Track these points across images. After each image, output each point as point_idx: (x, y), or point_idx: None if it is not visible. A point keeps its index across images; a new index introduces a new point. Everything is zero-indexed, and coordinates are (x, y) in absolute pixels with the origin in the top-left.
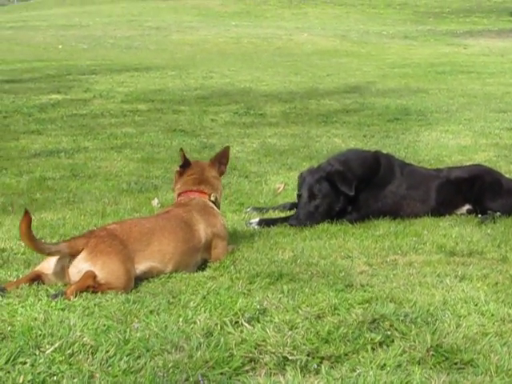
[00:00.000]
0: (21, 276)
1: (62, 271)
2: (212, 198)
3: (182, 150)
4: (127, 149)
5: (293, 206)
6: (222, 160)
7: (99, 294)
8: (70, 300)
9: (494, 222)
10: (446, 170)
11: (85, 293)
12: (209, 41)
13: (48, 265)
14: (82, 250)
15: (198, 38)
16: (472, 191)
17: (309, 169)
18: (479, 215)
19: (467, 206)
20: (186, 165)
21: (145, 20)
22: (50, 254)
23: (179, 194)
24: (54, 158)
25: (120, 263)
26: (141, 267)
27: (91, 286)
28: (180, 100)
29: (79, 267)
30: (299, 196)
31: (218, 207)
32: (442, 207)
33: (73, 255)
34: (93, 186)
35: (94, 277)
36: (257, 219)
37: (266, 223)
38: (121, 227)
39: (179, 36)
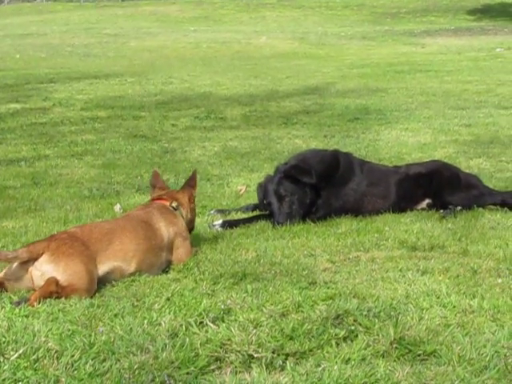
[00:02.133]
0: None
1: (24, 276)
2: (173, 205)
3: (155, 171)
4: (88, 156)
5: (255, 207)
6: (190, 183)
7: (63, 299)
8: (33, 306)
9: (455, 217)
10: (404, 167)
11: (49, 299)
12: (168, 46)
13: (10, 271)
14: (43, 253)
15: (156, 44)
16: (431, 186)
17: (266, 177)
18: (441, 210)
19: (427, 201)
20: (153, 184)
21: (103, 27)
22: (8, 260)
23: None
24: (15, 166)
25: (82, 264)
26: (103, 267)
27: (54, 291)
28: (140, 106)
29: (42, 270)
30: (269, 204)
31: (184, 220)
32: (403, 202)
33: (34, 259)
34: (54, 193)
35: (57, 282)
36: (220, 221)
37: (229, 225)
38: (81, 230)
39: (138, 42)
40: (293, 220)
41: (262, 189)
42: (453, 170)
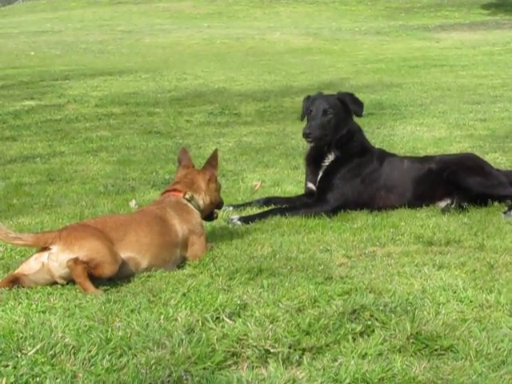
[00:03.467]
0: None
1: (41, 270)
2: (187, 196)
3: (183, 147)
4: (103, 152)
5: (268, 200)
6: (211, 163)
7: (79, 295)
8: (87, 291)
9: (465, 210)
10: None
11: (65, 294)
12: (181, 43)
13: (28, 266)
14: (54, 243)
15: (170, 40)
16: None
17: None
18: (441, 204)
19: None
20: (180, 160)
21: (117, 24)
22: (9, 240)
23: (160, 195)
24: (30, 163)
25: (98, 241)
26: (120, 255)
27: (83, 267)
28: (154, 102)
29: (59, 259)
30: (309, 112)
31: (200, 208)
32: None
33: (42, 249)
34: (70, 189)
35: (77, 259)
36: (237, 216)
37: (245, 220)
38: (95, 220)
39: (152, 39)
40: (316, 138)
41: (310, 98)
42: (477, 162)
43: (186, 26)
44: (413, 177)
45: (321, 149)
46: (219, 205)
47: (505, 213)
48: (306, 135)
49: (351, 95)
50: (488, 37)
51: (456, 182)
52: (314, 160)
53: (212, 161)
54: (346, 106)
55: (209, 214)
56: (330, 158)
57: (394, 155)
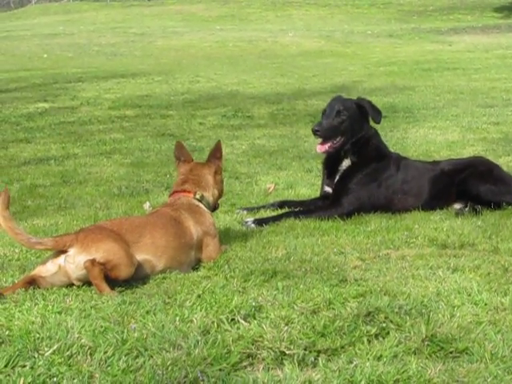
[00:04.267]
0: (16, 281)
1: (58, 272)
2: (197, 196)
3: (178, 142)
4: (116, 154)
5: (282, 203)
6: (216, 155)
7: (95, 296)
8: (102, 292)
9: (479, 214)
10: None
11: (81, 295)
12: (194, 45)
13: (45, 268)
14: (72, 245)
15: (183, 43)
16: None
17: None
18: (457, 206)
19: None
20: (178, 157)
21: (129, 27)
22: (30, 245)
23: (169, 196)
24: (44, 165)
25: (114, 242)
26: (136, 258)
27: (100, 268)
28: (167, 105)
29: (76, 261)
30: (323, 112)
31: (210, 205)
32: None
33: (59, 250)
34: (84, 191)
35: (94, 261)
36: (251, 218)
37: (259, 222)
38: (111, 222)
39: (164, 42)
40: (324, 138)
41: (331, 98)
42: (489, 166)
43: (199, 29)
44: (428, 180)
45: (337, 153)
46: (223, 193)
47: None
48: (313, 131)
49: (370, 102)
50: (501, 40)
51: (466, 189)
52: (331, 164)
53: (216, 152)
54: (362, 111)
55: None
56: (347, 162)
57: (408, 159)
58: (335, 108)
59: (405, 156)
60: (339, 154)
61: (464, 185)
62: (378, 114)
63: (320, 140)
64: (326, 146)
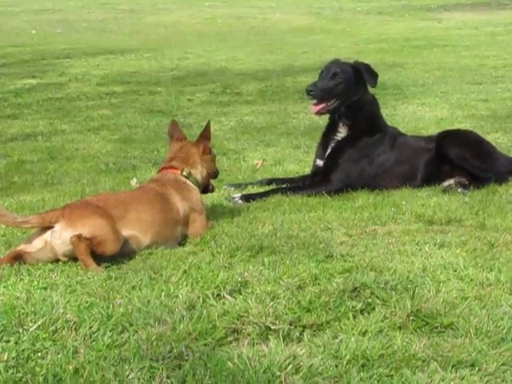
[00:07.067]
0: (1, 257)
1: (44, 248)
2: (184, 173)
3: (173, 120)
4: (104, 130)
5: (270, 181)
6: (204, 135)
7: (80, 271)
8: (88, 267)
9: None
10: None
11: (66, 271)
12: (183, 22)
13: (31, 243)
14: (58, 221)
15: (172, 19)
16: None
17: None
18: (445, 183)
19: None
20: (171, 134)
21: (118, 3)
22: (16, 224)
23: (157, 172)
24: (32, 141)
25: (100, 218)
26: (122, 233)
27: (86, 243)
28: (156, 81)
29: (62, 237)
30: (321, 73)
31: (199, 183)
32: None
33: (46, 227)
34: (71, 167)
35: (81, 236)
36: (238, 194)
37: (246, 198)
38: (96, 197)
39: (153, 18)
40: (317, 99)
41: (330, 61)
42: (476, 138)
43: (188, 5)
44: (423, 163)
45: (332, 121)
46: (215, 174)
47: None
48: (307, 91)
49: (367, 65)
50: (490, 17)
51: (444, 151)
52: (327, 133)
53: (205, 132)
54: (359, 75)
55: (205, 187)
56: (342, 132)
57: (405, 136)
58: (331, 70)
59: (402, 132)
60: (334, 121)
61: (442, 146)
62: (373, 78)
63: (315, 101)
64: (320, 107)
